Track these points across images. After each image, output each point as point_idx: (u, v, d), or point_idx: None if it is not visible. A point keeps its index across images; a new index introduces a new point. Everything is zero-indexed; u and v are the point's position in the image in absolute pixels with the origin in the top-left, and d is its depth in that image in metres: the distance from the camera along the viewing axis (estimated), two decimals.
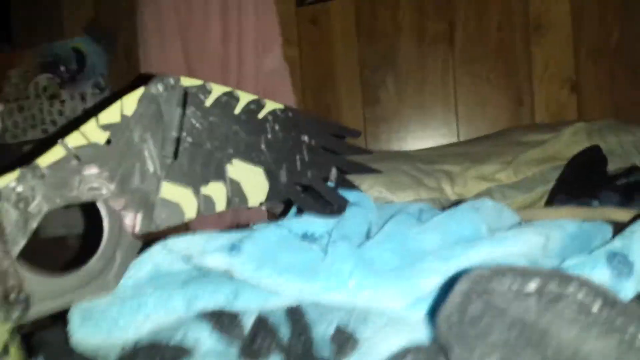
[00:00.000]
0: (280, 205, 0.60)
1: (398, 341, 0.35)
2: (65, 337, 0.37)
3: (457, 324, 0.24)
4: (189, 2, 1.03)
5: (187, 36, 1.04)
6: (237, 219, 0.99)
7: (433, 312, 0.34)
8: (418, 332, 0.36)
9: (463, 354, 0.25)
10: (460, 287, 0.25)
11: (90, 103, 1.08)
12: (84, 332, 0.36)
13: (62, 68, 1.09)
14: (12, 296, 0.26)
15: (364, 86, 1.08)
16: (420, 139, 1.06)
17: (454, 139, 1.05)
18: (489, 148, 0.90)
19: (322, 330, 0.37)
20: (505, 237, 0.41)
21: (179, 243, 0.39)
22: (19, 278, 0.27)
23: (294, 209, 0.48)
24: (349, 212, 0.42)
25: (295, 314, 0.38)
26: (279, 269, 0.37)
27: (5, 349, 0.26)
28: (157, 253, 0.39)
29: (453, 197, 0.84)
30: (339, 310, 0.38)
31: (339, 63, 1.09)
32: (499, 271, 0.25)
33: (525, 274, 0.24)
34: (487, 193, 0.83)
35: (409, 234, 0.41)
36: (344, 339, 0.36)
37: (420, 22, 1.06)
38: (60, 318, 0.36)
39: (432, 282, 0.38)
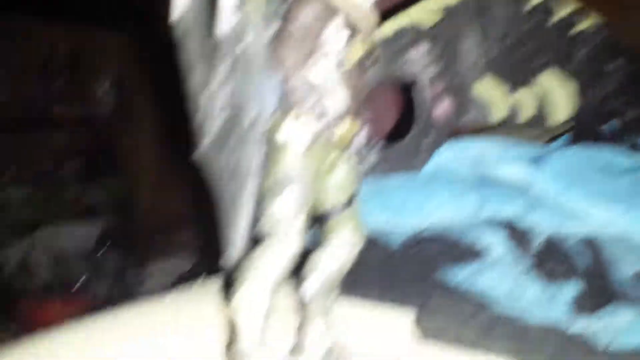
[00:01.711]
0: None
1: None
2: None
3: None
4: None
5: None
6: None
7: None
8: None
9: None
10: None
11: None
12: (368, 209, 0.36)
13: None
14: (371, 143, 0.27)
15: None
16: None
17: None
18: None
19: (622, 269, 0.33)
20: None
21: (471, 146, 0.37)
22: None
23: (565, 137, 0.44)
24: None
25: (592, 246, 0.34)
26: (590, 194, 0.34)
27: (351, 199, 0.26)
28: (447, 151, 0.37)
29: None
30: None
31: None
32: None
33: None
34: None
35: None
36: None
37: None
38: None
39: None
